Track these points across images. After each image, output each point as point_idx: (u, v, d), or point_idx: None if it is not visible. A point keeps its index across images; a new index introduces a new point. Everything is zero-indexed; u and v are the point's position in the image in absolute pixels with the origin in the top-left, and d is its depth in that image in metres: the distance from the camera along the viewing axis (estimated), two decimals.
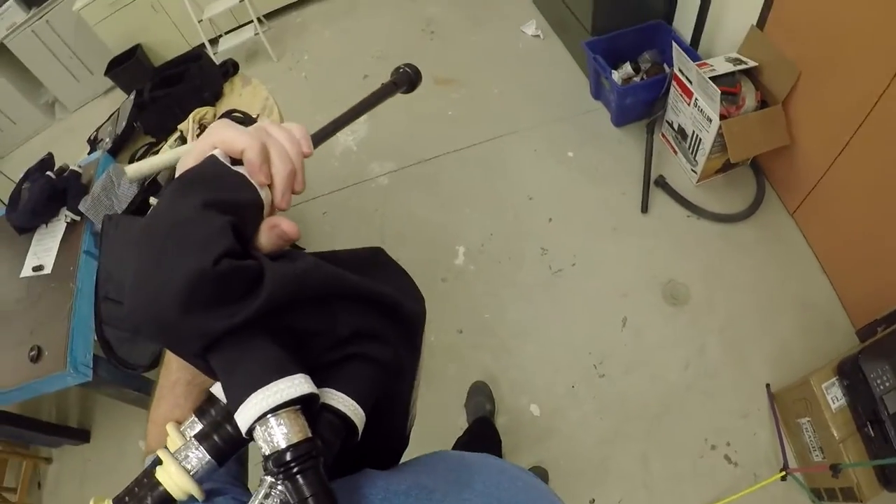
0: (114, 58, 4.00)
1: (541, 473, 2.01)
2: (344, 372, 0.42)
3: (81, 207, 1.79)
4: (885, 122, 1.74)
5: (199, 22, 3.78)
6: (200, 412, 0.43)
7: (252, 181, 0.41)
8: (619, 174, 2.67)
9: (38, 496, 2.51)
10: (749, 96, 2.18)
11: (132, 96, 2.18)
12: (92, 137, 2.29)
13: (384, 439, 0.54)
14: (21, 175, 2.01)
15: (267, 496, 0.35)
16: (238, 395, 0.35)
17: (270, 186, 0.42)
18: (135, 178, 1.80)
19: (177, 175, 0.40)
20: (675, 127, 2.50)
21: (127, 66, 3.81)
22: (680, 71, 2.31)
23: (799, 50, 2.01)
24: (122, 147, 2.17)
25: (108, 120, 2.29)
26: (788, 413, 1.93)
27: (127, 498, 0.38)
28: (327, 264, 0.40)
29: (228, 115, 1.95)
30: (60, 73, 4.30)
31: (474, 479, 0.53)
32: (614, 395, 2.15)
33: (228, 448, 0.40)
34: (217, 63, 2.27)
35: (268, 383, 0.34)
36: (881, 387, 1.64)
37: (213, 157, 0.41)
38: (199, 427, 0.41)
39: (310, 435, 0.36)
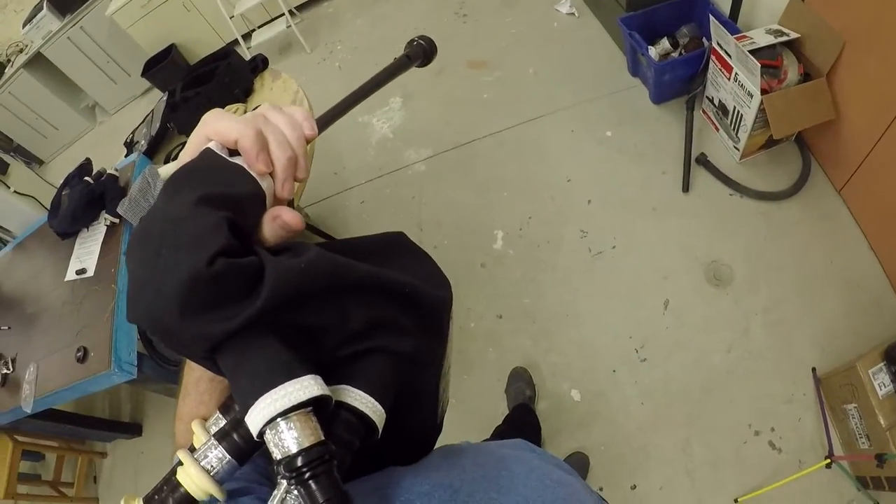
0: (150, 58, 4.10)
1: (582, 459, 2.03)
2: (361, 367, 0.41)
3: (119, 210, 1.84)
4: None
5: (230, 18, 3.83)
6: (225, 408, 0.43)
7: (251, 171, 0.39)
8: (659, 153, 2.61)
9: (94, 490, 2.67)
10: (791, 69, 2.08)
11: (164, 97, 2.25)
12: (128, 140, 2.38)
13: (414, 430, 0.53)
14: (61, 181, 2.10)
15: (283, 501, 0.34)
16: (246, 400, 0.34)
17: (272, 175, 0.41)
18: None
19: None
20: (716, 103, 2.43)
21: (163, 66, 3.90)
22: (718, 45, 2.23)
23: (842, 19, 1.90)
24: (157, 148, 2.25)
25: (142, 122, 2.36)
26: (834, 398, 1.88)
27: (155, 497, 0.38)
28: (333, 255, 0.38)
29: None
30: (98, 77, 4.43)
31: (501, 476, 0.52)
32: (656, 380, 2.14)
33: (249, 447, 0.39)
34: (248, 59, 2.31)
35: (275, 386, 0.33)
36: None
37: (208, 149, 0.39)
38: (223, 423, 0.41)
39: (322, 438, 0.35)
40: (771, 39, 2.09)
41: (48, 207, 2.12)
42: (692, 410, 2.06)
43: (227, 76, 2.16)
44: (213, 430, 0.41)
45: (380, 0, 4.10)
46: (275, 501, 0.34)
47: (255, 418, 0.33)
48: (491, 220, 2.69)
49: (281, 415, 0.33)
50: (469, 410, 2.26)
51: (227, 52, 2.27)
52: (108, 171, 2.03)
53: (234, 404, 0.42)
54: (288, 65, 3.92)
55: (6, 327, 2.03)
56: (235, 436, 0.39)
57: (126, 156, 2.30)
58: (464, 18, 3.61)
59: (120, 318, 1.77)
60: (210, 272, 0.32)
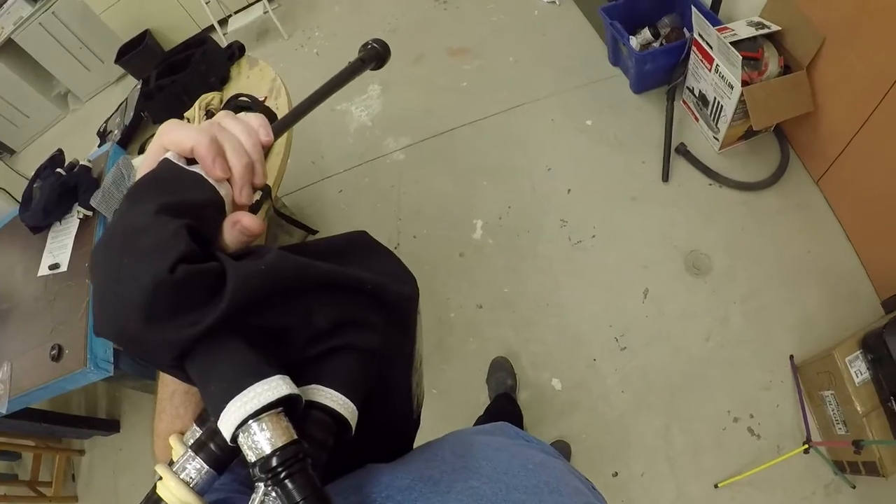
0: (123, 45, 3.99)
1: (563, 447, 2.03)
2: (329, 366, 0.41)
3: (93, 202, 1.80)
4: None
5: (206, 3, 3.73)
6: (200, 420, 0.43)
7: (209, 179, 0.39)
8: (639, 142, 2.62)
9: (73, 488, 2.60)
10: (772, 61, 2.10)
11: (138, 85, 2.18)
12: (101, 129, 2.30)
13: (389, 425, 0.53)
14: (33, 173, 2.03)
15: (262, 503, 0.34)
16: (216, 405, 0.34)
17: (230, 181, 0.41)
18: None
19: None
20: (696, 93, 2.43)
21: (137, 53, 3.80)
22: (700, 36, 2.23)
23: (824, 14, 1.92)
24: (131, 138, 2.17)
25: (116, 111, 2.29)
26: (812, 385, 1.91)
27: None
28: (295, 256, 0.38)
29: (235, 99, 1.94)
30: (71, 64, 4.31)
31: (482, 464, 0.52)
32: (636, 368, 2.15)
33: (226, 455, 0.39)
34: (223, 46, 2.24)
35: (244, 389, 0.33)
36: None
37: (166, 160, 0.40)
38: (199, 435, 0.41)
39: (295, 437, 0.35)
40: (752, 31, 2.11)
41: (19, 200, 2.04)
42: (672, 398, 2.07)
43: (202, 64, 2.09)
44: (191, 442, 0.41)
45: None
46: None
47: (226, 422, 0.34)
48: (470, 209, 2.67)
49: (252, 416, 0.33)
50: (450, 401, 2.24)
51: (203, 39, 2.19)
52: (80, 163, 1.95)
53: (210, 415, 0.41)
54: (265, 52, 3.83)
55: None
56: (212, 445, 0.39)
57: (99, 146, 2.22)
58: (444, 5, 3.57)
59: None
60: (172, 279, 0.32)
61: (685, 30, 2.57)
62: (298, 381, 0.38)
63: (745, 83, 2.09)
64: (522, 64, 3.07)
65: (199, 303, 0.34)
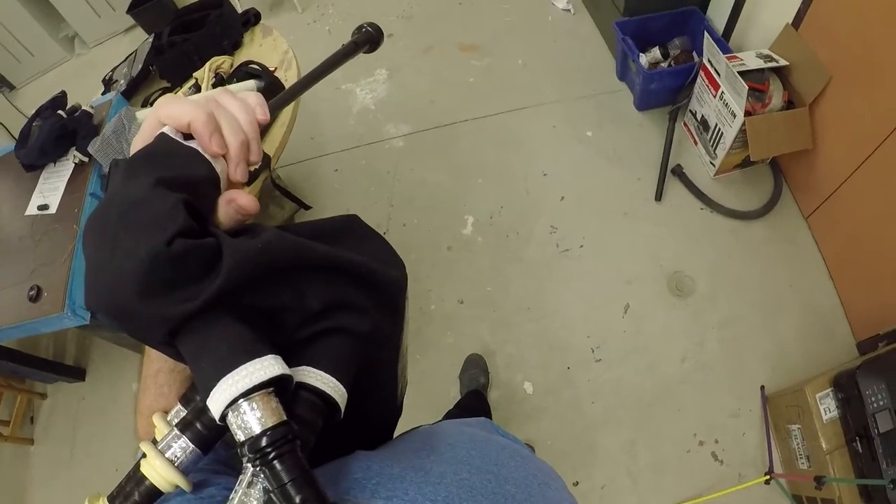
0: None
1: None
2: (320, 347, 0.41)
3: (90, 149, 1.76)
4: None
5: None
6: (185, 399, 0.43)
7: (205, 154, 0.39)
8: (637, 159, 2.64)
9: (30, 430, 2.55)
10: (776, 95, 2.12)
11: (150, 39, 2.13)
12: (107, 77, 2.25)
13: (375, 411, 0.53)
14: (33, 111, 1.98)
15: (251, 484, 0.34)
16: (207, 382, 0.34)
17: (226, 158, 0.41)
18: None
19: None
20: (698, 117, 2.46)
21: (150, 6, 3.71)
22: (709, 61, 2.25)
23: (832, 54, 1.95)
24: (136, 90, 2.13)
25: (124, 61, 2.24)
26: (780, 417, 1.94)
27: (118, 495, 0.37)
28: (291, 235, 0.38)
29: (245, 65, 1.91)
30: (82, 7, 4.19)
31: (472, 455, 0.52)
32: (609, 381, 2.16)
33: (212, 435, 0.38)
34: (239, 11, 2.21)
35: (236, 367, 0.33)
36: (875, 404, 1.63)
37: (162, 133, 0.39)
38: (184, 414, 0.40)
39: (284, 418, 0.35)
40: (760, 63, 2.13)
41: (16, 136, 1.99)
42: (641, 415, 2.09)
43: (217, 26, 2.05)
44: (175, 421, 0.40)
45: None
46: (242, 486, 0.35)
47: (216, 400, 0.33)
48: (463, 204, 2.66)
49: (243, 395, 0.33)
50: (421, 392, 2.23)
51: (221, 2, 2.16)
52: (82, 107, 1.91)
53: (195, 395, 0.42)
54: (277, 22, 3.74)
55: None
56: (198, 424, 0.38)
57: (103, 93, 2.17)
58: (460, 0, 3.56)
59: (79, 260, 1.66)
60: (169, 252, 0.32)
61: (694, 53, 2.60)
62: (289, 362, 0.37)
63: (747, 113, 2.11)
64: (530, 67, 3.07)
65: (194, 278, 0.33)
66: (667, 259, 2.37)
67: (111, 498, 0.37)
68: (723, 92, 2.19)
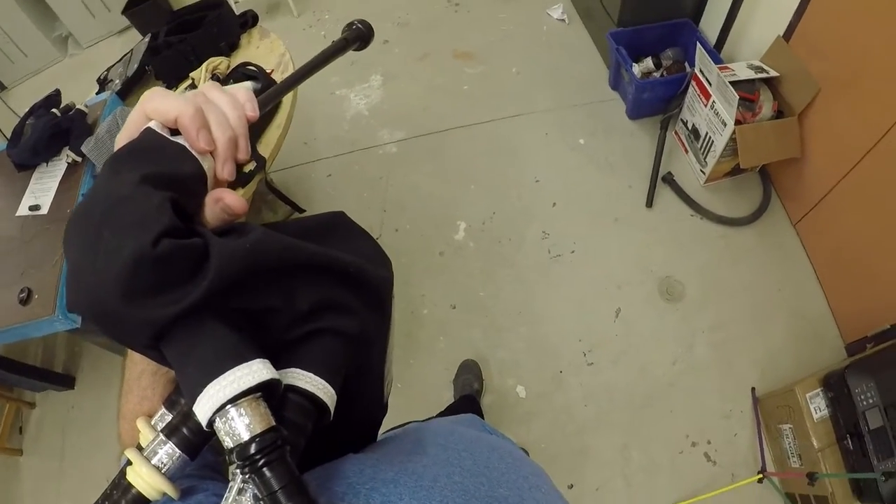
0: None
1: None
2: (309, 349, 0.40)
3: (84, 149, 1.75)
4: None
5: None
6: (170, 403, 0.42)
7: (192, 151, 0.38)
8: (628, 167, 2.67)
9: (18, 441, 2.48)
10: (766, 105, 2.17)
11: (147, 39, 2.13)
12: (102, 77, 2.24)
13: (361, 410, 0.52)
14: (26, 110, 1.96)
15: (241, 492, 0.34)
16: (193, 388, 0.32)
17: (213, 155, 0.40)
18: None
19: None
20: (689, 126, 2.50)
21: (145, 7, 3.70)
22: (701, 72, 2.30)
23: (821, 67, 2.01)
24: (131, 90, 2.12)
25: (120, 60, 2.23)
26: (770, 418, 1.96)
27: (105, 503, 0.37)
28: (279, 235, 0.37)
29: (242, 67, 1.92)
30: (76, 7, 4.17)
31: (463, 457, 0.51)
32: (601, 385, 2.18)
33: (199, 439, 0.38)
34: (237, 13, 2.22)
35: (223, 372, 0.32)
36: (864, 402, 1.66)
37: (149, 129, 0.38)
38: (169, 418, 0.39)
39: (273, 423, 0.34)
40: (751, 74, 2.18)
41: (7, 136, 1.97)
42: (633, 417, 2.10)
43: (215, 27, 2.05)
44: (160, 426, 0.39)
45: None
46: (232, 493, 0.34)
47: (203, 407, 0.32)
48: (455, 210, 2.67)
49: (231, 401, 0.32)
50: (412, 396, 2.23)
51: (219, 3, 2.15)
52: (77, 107, 1.90)
53: (180, 398, 0.42)
54: (273, 26, 3.73)
55: None
56: (184, 429, 0.37)
57: (98, 93, 2.16)
58: (456, 7, 3.59)
59: None
60: (155, 253, 0.30)
61: (686, 64, 2.65)
62: (277, 364, 0.36)
63: (738, 122, 2.16)
64: (524, 76, 3.11)
65: (181, 280, 0.32)
66: (657, 264, 2.40)
67: None
68: (714, 101, 2.23)
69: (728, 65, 2.24)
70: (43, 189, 1.84)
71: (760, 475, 1.84)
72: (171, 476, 0.37)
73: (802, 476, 1.69)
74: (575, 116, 2.89)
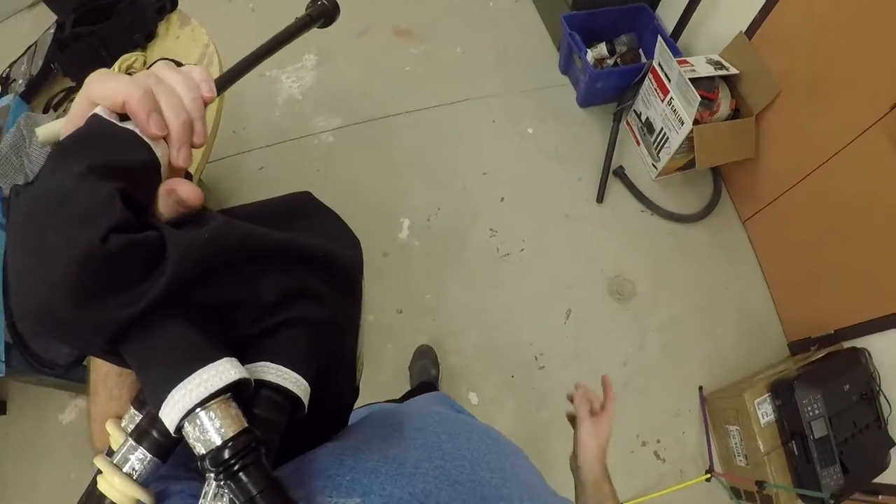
0: None
1: None
2: (278, 341, 0.38)
3: None
4: (855, 161, 1.75)
5: None
6: (139, 403, 0.39)
7: (143, 137, 0.35)
8: (578, 158, 2.60)
9: None
10: (724, 103, 2.13)
11: (52, 30, 1.85)
12: (4, 75, 1.94)
13: (334, 397, 0.50)
14: None
15: (216, 496, 0.32)
16: (157, 394, 0.31)
17: (167, 140, 0.36)
18: (47, 142, 1.53)
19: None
20: (643, 119, 2.43)
21: None
22: (660, 66, 2.21)
23: (784, 68, 1.97)
24: (37, 90, 1.82)
25: (23, 54, 1.93)
26: (718, 418, 2.01)
27: None
28: (240, 223, 0.35)
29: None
30: None
31: (443, 440, 0.50)
32: (552, 388, 2.16)
33: (169, 442, 0.35)
34: None
35: (189, 375, 0.31)
36: (810, 413, 1.73)
37: (95, 115, 0.35)
38: (139, 419, 0.37)
39: (245, 425, 0.32)
40: (711, 70, 2.12)
41: None
42: None
43: (128, 15, 1.78)
44: (130, 428, 0.37)
45: None
46: (207, 499, 0.32)
47: (170, 413, 0.31)
48: (399, 206, 2.53)
49: (199, 405, 0.31)
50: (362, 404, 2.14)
51: None
52: None
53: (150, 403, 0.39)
54: (193, 2, 3.42)
55: None
56: (154, 433, 0.35)
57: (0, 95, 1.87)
58: None
59: None
60: (104, 251, 0.28)
61: (640, 51, 2.56)
62: (245, 358, 0.35)
63: (695, 122, 2.10)
64: (470, 56, 2.93)
65: (135, 278, 0.30)
66: (608, 262, 2.37)
67: None
68: (672, 98, 2.16)
69: (687, 59, 2.17)
70: None
71: (708, 475, 1.90)
72: (144, 482, 0.35)
73: (751, 482, 1.76)
74: (524, 102, 2.76)
